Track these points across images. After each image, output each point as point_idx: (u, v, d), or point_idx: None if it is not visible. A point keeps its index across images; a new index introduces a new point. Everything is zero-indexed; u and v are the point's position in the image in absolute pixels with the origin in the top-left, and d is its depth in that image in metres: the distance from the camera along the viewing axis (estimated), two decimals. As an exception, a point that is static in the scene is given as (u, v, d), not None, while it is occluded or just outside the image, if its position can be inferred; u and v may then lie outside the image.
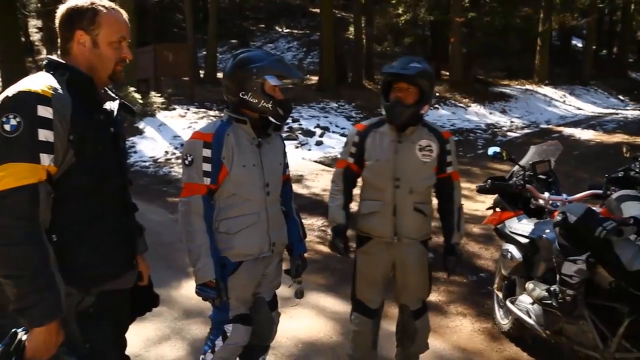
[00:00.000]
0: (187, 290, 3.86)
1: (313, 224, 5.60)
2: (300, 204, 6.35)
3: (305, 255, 2.50)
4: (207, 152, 2.11)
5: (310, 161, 8.75)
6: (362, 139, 2.55)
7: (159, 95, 11.35)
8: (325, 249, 4.89)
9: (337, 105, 13.06)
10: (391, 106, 2.42)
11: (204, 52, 18.38)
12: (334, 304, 3.74)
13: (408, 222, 2.47)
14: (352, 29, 18.08)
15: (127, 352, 1.85)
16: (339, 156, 2.76)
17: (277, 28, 26.29)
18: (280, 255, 2.37)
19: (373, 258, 2.57)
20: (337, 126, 11.23)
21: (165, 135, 9.69)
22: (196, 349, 3.06)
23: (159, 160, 8.62)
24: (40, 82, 1.47)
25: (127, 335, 1.86)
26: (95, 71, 1.59)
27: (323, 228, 5.46)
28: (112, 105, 1.68)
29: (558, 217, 2.41)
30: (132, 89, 10.17)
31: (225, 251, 2.15)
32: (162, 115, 10.63)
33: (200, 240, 2.09)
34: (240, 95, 2.13)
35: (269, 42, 24.52)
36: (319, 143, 9.93)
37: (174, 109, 11.24)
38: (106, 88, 1.71)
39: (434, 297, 3.81)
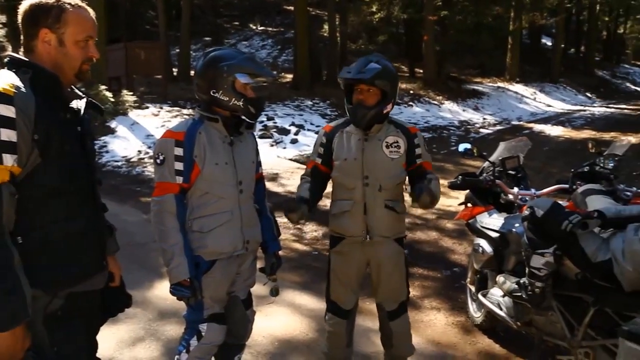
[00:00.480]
0: (161, 290, 3.82)
1: (289, 222, 5.59)
2: (276, 202, 6.31)
3: (280, 253, 2.50)
4: (178, 151, 2.10)
5: (286, 159, 8.75)
6: (330, 140, 2.56)
7: (131, 93, 11.17)
8: (301, 246, 4.90)
9: (311, 103, 13.07)
10: (354, 109, 2.43)
11: (177, 50, 18.14)
12: (310, 302, 3.75)
13: (379, 220, 2.47)
14: (326, 26, 18.09)
15: (101, 354, 1.83)
16: None
17: (251, 25, 26.10)
18: (254, 253, 2.37)
19: (347, 258, 2.57)
20: (312, 124, 11.24)
21: (138, 134, 9.55)
22: (171, 350, 3.03)
23: (132, 160, 8.49)
24: (2, 80, 1.43)
25: (101, 337, 1.83)
26: (61, 70, 1.56)
27: (299, 226, 5.46)
28: (79, 104, 1.65)
29: (526, 212, 2.46)
30: (103, 87, 9.98)
31: (198, 250, 2.14)
32: (134, 114, 10.47)
33: (174, 240, 2.07)
34: (211, 94, 2.12)
35: (243, 39, 24.35)
36: (294, 141, 9.92)
37: (147, 107, 11.08)
38: (72, 86, 1.68)
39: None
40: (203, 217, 2.15)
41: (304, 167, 2.85)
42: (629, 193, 2.85)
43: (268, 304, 3.25)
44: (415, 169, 2.55)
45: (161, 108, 11.20)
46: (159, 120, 10.32)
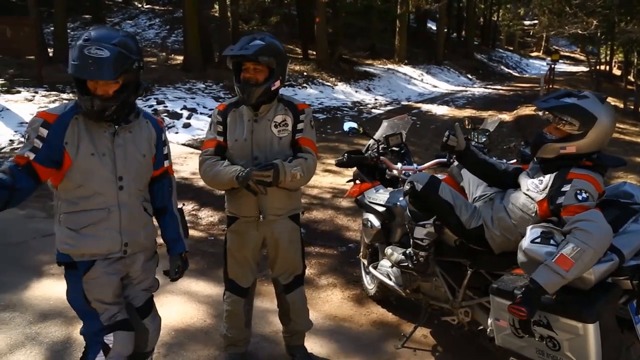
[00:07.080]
0: (42, 291, 3.52)
1: (183, 208, 5.41)
2: (169, 189, 6.08)
3: None
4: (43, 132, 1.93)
5: (178, 144, 8.42)
6: (224, 118, 2.51)
7: (-3, 76, 10.02)
8: (196, 233, 4.77)
9: (204, 85, 12.64)
10: (242, 87, 2.40)
11: (52, 28, 16.50)
12: (206, 288, 3.69)
13: (271, 198, 2.46)
14: (217, 6, 17.52)
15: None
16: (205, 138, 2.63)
17: (136, 3, 24.51)
18: (145, 254, 2.19)
19: (242, 237, 2.57)
20: (204, 107, 10.89)
21: (9, 122, 8.61)
22: (56, 353, 2.83)
23: (4, 150, 7.66)
24: None
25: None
26: None
27: (193, 212, 5.31)
28: None
29: (406, 187, 2.61)
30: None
31: (70, 249, 2.01)
32: (3, 99, 9.42)
33: None
34: None
35: (128, 18, 22.78)
36: (186, 125, 9.57)
37: (19, 92, 10.02)
38: None
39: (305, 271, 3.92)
40: (75, 213, 2.00)
41: (198, 151, 2.74)
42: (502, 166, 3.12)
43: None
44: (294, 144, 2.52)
45: (36, 92, 10.17)
46: (33, 106, 9.37)
